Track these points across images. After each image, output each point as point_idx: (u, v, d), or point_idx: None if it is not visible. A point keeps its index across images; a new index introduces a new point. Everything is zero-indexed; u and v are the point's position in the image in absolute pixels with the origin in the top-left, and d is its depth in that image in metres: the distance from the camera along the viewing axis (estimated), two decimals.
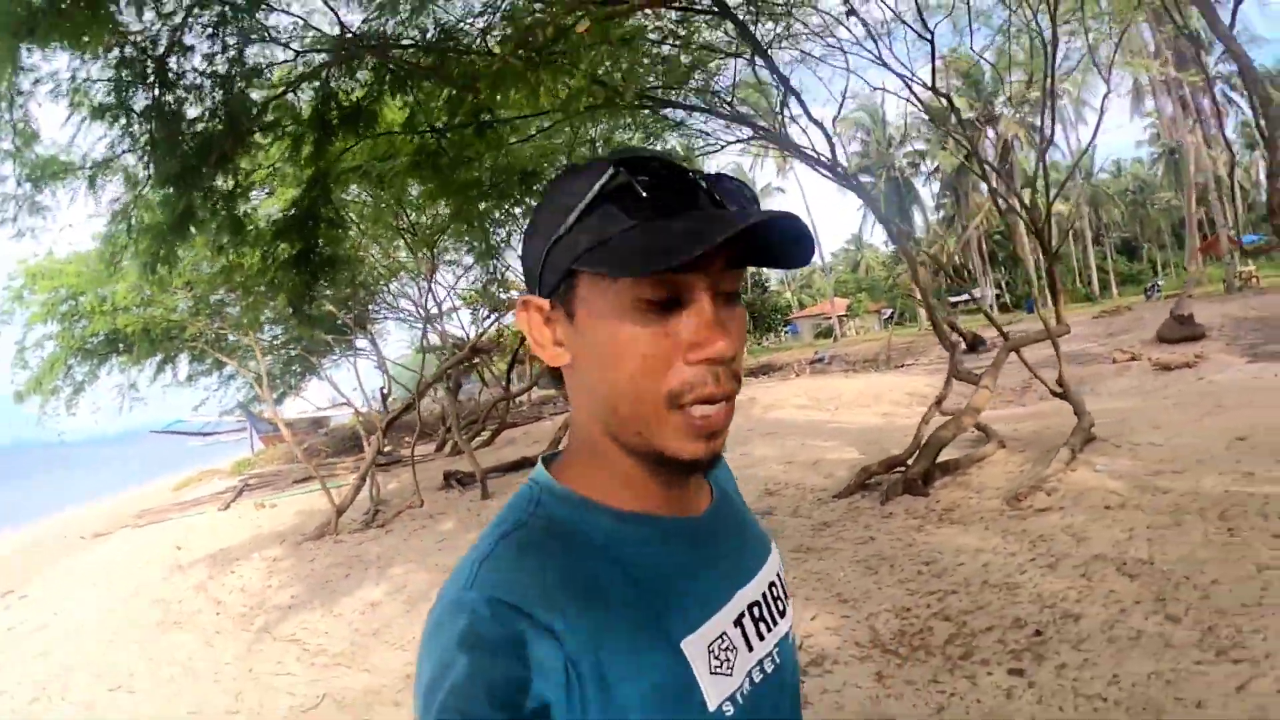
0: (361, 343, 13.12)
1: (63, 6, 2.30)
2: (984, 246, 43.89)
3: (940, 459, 6.40)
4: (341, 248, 5.47)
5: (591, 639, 0.57)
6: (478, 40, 3.27)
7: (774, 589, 0.76)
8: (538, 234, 0.64)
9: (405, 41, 3.07)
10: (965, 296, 43.73)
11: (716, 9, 5.03)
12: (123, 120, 2.84)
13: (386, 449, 13.36)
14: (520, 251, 0.71)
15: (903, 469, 6.33)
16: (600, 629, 0.58)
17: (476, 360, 14.41)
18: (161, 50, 2.72)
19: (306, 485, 11.99)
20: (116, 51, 2.67)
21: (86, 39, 2.44)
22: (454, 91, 3.11)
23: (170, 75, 2.78)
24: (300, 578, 6.59)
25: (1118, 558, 4.07)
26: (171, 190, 3.06)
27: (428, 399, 14.81)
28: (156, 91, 2.77)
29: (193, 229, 3.34)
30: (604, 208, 0.60)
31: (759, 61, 5.77)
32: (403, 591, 5.60)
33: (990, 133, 36.86)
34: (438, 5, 3.16)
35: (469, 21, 3.24)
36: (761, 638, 0.71)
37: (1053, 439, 6.59)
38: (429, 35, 3.12)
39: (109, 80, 2.75)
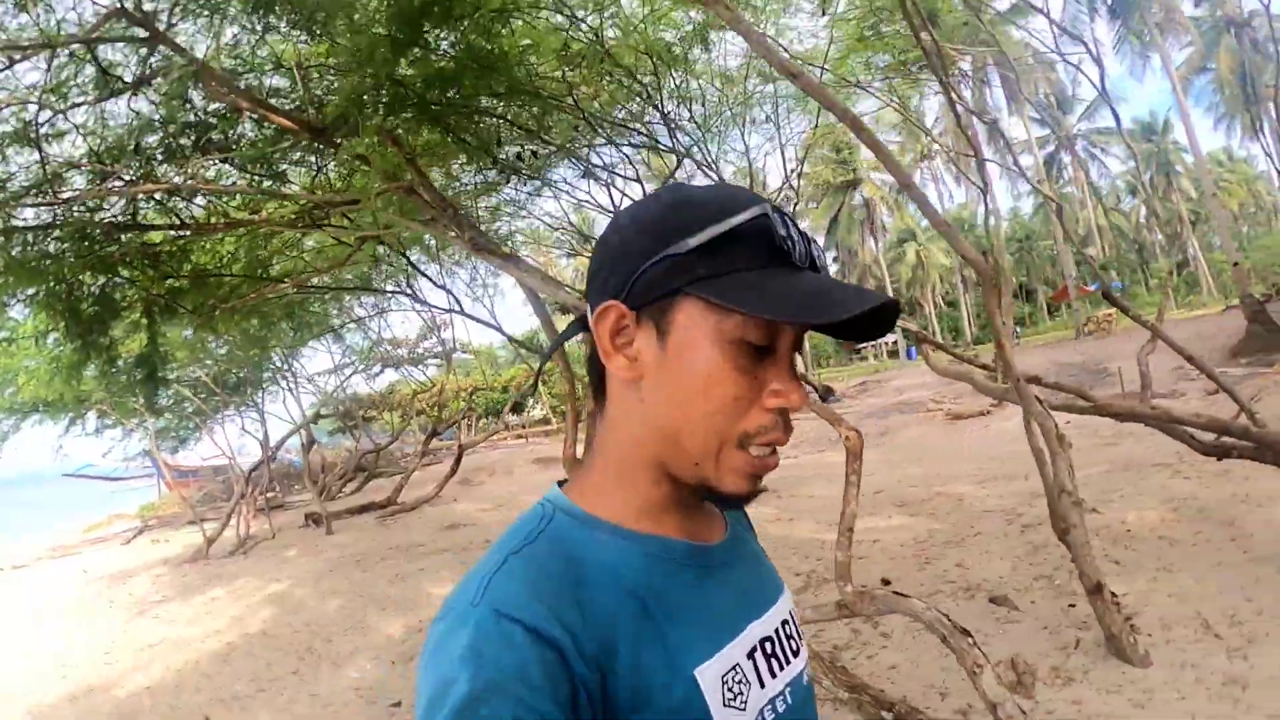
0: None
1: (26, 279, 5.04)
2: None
3: None
4: (169, 371, 8.18)
5: (600, 659, 0.56)
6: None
7: (786, 627, 0.75)
8: (637, 240, 0.64)
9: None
10: (868, 344, 47.37)
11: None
12: (51, 315, 5.57)
13: (270, 494, 15.67)
14: (600, 246, 0.68)
15: None
16: (609, 649, 0.57)
17: (354, 418, 16.90)
18: (70, 284, 5.44)
19: (199, 525, 14.27)
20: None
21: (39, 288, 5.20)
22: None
23: (75, 291, 5.50)
24: (172, 586, 9.10)
25: None
26: (78, 344, 5.79)
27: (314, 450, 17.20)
28: (68, 298, 5.50)
29: (90, 363, 6.07)
30: (738, 242, 0.61)
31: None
32: (235, 589, 8.24)
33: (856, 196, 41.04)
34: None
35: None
36: (774, 675, 0.69)
37: None
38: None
39: (43, 295, 5.45)
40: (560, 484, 0.72)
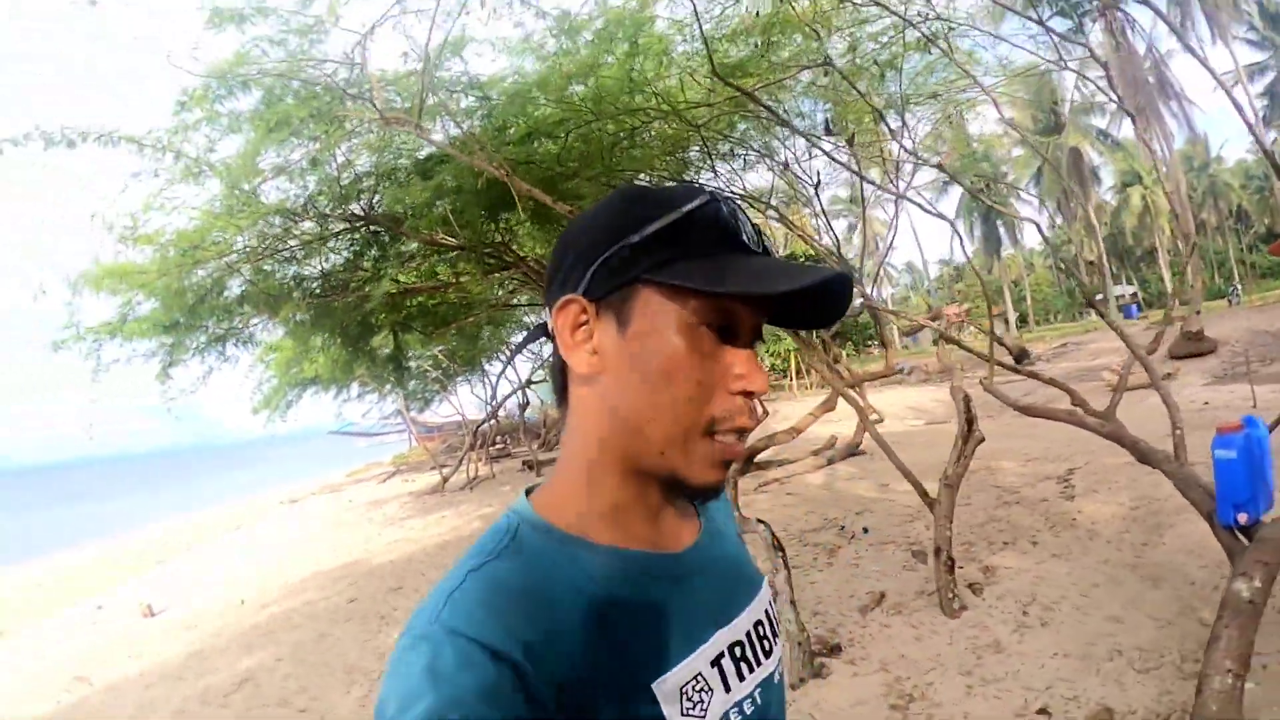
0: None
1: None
2: (1117, 244, 42.36)
3: (765, 459, 10.03)
4: (413, 354, 11.28)
5: (557, 675, 0.57)
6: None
7: (760, 628, 0.76)
8: (594, 235, 0.66)
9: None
10: (1100, 297, 42.79)
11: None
12: (331, 335, 8.56)
13: (500, 445, 19.40)
14: (559, 247, 0.70)
15: None
16: (566, 665, 0.58)
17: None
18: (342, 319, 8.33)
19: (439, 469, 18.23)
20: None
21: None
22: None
23: (345, 321, 8.41)
24: (414, 509, 12.67)
25: None
26: (349, 350, 8.81)
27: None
28: (342, 326, 8.44)
29: (357, 361, 9.13)
30: (690, 229, 0.63)
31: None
32: (459, 512, 11.58)
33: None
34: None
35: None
36: (742, 678, 0.71)
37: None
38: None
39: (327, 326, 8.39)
40: (529, 491, 0.72)
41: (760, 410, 0.81)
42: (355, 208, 5.89)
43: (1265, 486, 3.10)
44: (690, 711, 0.64)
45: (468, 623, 0.57)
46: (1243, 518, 3.05)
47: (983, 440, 5.39)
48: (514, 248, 6.88)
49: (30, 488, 79.83)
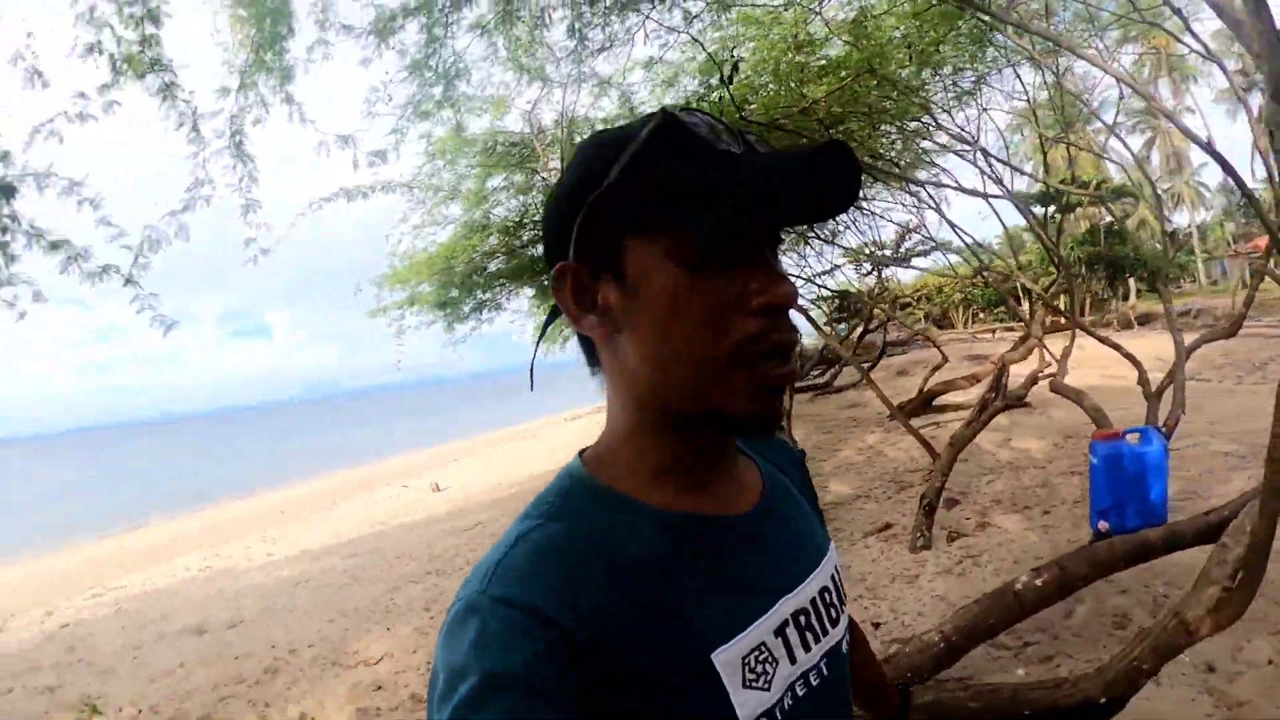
0: None
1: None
2: None
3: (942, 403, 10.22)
4: None
5: (611, 642, 0.56)
6: None
7: (826, 595, 0.73)
8: (568, 198, 0.63)
9: None
10: None
11: None
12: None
13: None
14: (544, 217, 0.68)
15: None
16: (622, 633, 0.57)
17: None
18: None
19: None
20: None
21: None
22: None
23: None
24: None
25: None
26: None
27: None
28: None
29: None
30: (655, 158, 0.59)
31: None
32: None
33: None
34: None
35: None
36: (807, 649, 0.68)
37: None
38: None
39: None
40: (582, 452, 0.70)
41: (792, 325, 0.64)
42: None
43: (1138, 500, 3.06)
44: (753, 683, 0.61)
45: (516, 589, 0.56)
46: (1103, 525, 3.06)
47: (1000, 411, 6.00)
48: None
49: (358, 410, 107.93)
